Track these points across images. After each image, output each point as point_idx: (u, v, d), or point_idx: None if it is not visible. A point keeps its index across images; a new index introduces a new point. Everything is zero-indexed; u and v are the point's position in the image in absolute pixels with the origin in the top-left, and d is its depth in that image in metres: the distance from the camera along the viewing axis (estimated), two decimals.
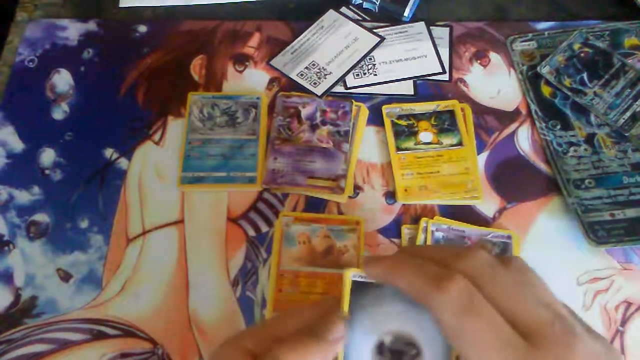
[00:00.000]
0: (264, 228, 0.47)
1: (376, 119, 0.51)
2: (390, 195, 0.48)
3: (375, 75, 0.53)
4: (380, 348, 0.29)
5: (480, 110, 0.52)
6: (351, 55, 0.54)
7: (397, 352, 0.29)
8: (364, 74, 0.53)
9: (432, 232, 0.45)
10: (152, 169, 0.49)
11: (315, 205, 0.48)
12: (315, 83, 0.52)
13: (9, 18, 0.58)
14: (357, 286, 0.30)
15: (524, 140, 0.50)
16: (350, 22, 0.56)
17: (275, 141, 0.49)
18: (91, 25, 0.57)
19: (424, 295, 0.27)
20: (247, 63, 0.55)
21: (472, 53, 0.55)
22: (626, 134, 0.49)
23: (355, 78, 0.53)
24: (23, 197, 0.48)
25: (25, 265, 0.45)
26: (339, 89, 0.53)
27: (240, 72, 0.54)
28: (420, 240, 0.45)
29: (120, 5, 0.59)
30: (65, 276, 0.45)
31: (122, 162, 0.50)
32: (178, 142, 0.50)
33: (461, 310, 0.26)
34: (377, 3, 0.57)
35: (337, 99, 0.52)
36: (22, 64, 0.55)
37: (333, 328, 0.29)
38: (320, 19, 0.56)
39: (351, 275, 0.30)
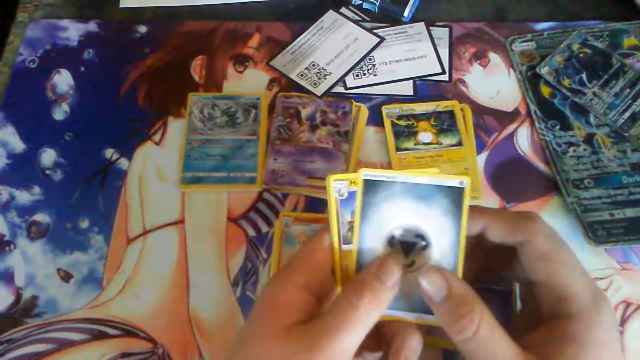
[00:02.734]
0: (264, 228, 0.47)
1: (376, 119, 0.51)
2: None
3: (375, 75, 0.53)
4: (391, 240, 0.31)
5: (479, 111, 0.52)
6: (351, 56, 0.54)
7: (406, 244, 0.30)
8: (364, 74, 0.53)
9: None
10: (153, 169, 0.49)
11: (315, 205, 0.48)
12: (315, 83, 0.52)
13: (9, 18, 0.58)
14: (369, 185, 0.31)
15: (524, 140, 0.50)
16: (350, 22, 0.56)
17: (275, 141, 0.49)
18: (92, 26, 0.57)
19: (519, 225, 0.31)
20: (247, 63, 0.55)
21: (472, 53, 0.55)
22: (625, 134, 0.49)
23: (355, 78, 0.53)
24: (24, 197, 0.48)
25: (25, 265, 0.45)
26: (339, 89, 0.53)
27: (241, 72, 0.54)
28: None
29: (120, 6, 0.59)
30: (66, 276, 0.45)
31: (123, 163, 0.50)
32: (178, 142, 0.50)
33: (552, 235, 0.31)
34: (377, 3, 0.57)
35: (337, 99, 0.52)
36: (23, 65, 0.55)
37: (393, 272, 0.29)
38: (320, 20, 0.56)
39: (363, 174, 0.31)
